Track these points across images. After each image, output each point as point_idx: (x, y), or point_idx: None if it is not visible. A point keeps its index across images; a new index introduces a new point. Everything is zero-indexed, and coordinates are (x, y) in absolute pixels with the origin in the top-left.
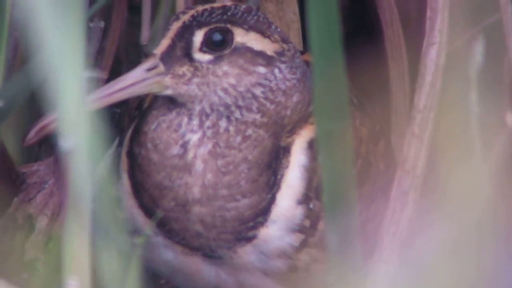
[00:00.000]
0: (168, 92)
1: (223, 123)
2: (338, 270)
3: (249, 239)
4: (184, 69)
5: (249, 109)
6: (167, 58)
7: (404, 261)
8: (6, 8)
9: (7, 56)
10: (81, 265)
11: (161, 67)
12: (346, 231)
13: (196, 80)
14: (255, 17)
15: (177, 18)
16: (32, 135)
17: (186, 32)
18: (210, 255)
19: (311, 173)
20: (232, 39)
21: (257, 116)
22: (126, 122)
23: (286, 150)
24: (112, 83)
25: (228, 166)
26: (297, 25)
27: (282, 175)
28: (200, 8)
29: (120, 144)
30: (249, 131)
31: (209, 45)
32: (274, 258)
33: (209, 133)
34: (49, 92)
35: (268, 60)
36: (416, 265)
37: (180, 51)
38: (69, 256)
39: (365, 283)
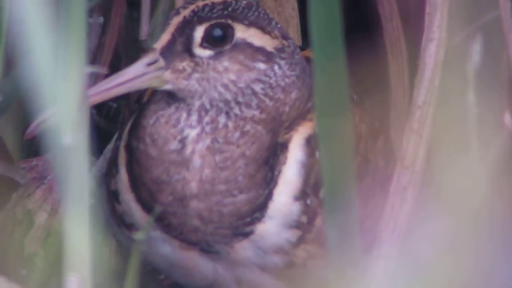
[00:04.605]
0: (168, 87)
1: (222, 119)
2: (337, 266)
3: (246, 235)
4: (184, 64)
5: (248, 105)
6: (167, 53)
7: (403, 256)
8: (4, 3)
9: (5, 51)
10: (81, 260)
11: (161, 62)
12: (345, 227)
13: (196, 75)
14: (256, 13)
15: (177, 13)
16: (32, 129)
17: (186, 27)
18: (207, 250)
19: (308, 169)
20: (233, 34)
21: (256, 112)
22: (127, 115)
23: (284, 146)
24: (112, 77)
25: (226, 161)
26: (296, 21)
27: (280, 171)
28: (200, 3)
29: (119, 138)
30: (248, 127)
31: (209, 40)
32: (271, 254)
33: (207, 128)
34: (48, 88)
35: (268, 56)
36: (414, 261)
37: (181, 46)
38: (69, 252)
39: (363, 278)
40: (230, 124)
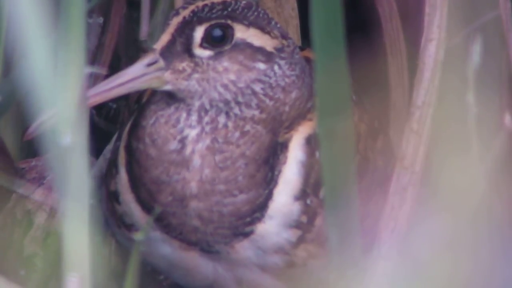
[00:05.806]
0: (168, 87)
1: (222, 119)
2: (337, 266)
3: (246, 235)
4: (184, 64)
5: (248, 105)
6: (167, 53)
7: (403, 256)
8: (4, 3)
9: (5, 51)
10: (81, 261)
11: (161, 62)
12: (345, 227)
13: (196, 75)
14: (255, 13)
15: (177, 13)
16: (32, 130)
17: (186, 28)
18: (207, 250)
19: (308, 169)
20: (233, 35)
21: (256, 112)
22: (126, 116)
23: (284, 146)
24: (111, 78)
25: (226, 161)
26: (295, 21)
27: (280, 171)
28: (200, 3)
29: (118, 139)
30: (248, 127)
31: (209, 41)
32: (271, 254)
33: (207, 128)
34: (47, 88)
35: (268, 56)
36: (414, 261)
37: (180, 47)
38: (69, 252)
39: (363, 278)
40: (230, 124)
